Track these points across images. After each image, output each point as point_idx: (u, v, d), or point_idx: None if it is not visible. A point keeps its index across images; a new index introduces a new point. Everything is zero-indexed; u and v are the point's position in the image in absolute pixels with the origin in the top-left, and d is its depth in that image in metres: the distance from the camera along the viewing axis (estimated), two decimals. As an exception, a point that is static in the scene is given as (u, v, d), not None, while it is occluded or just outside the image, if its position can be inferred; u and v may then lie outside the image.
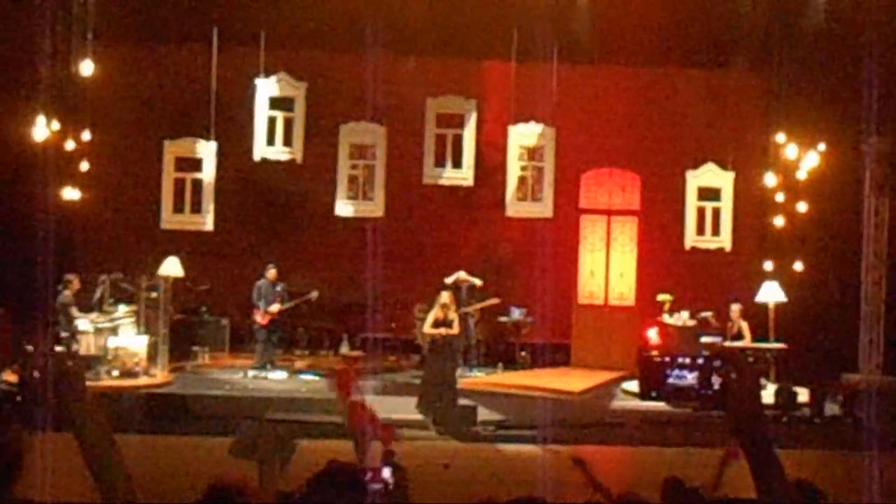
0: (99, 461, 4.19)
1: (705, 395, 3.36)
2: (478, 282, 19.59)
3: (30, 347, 16.47)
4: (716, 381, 3.36)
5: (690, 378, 3.29)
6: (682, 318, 19.01)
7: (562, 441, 15.05)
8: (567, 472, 13.58)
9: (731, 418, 3.45)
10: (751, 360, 17.36)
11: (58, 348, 17.02)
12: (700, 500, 6.95)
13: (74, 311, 17.45)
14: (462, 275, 19.50)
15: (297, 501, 5.02)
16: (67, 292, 17.54)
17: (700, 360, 3.26)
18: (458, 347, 17.92)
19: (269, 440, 10.98)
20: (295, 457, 10.67)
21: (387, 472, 4.19)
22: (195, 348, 19.66)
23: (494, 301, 19.71)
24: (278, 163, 19.33)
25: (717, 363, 3.33)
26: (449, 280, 19.02)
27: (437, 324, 16.74)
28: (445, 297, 17.06)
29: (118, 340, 17.25)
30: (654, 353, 17.52)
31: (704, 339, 18.43)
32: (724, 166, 19.84)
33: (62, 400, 4.28)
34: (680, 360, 3.28)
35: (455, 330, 16.92)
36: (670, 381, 3.32)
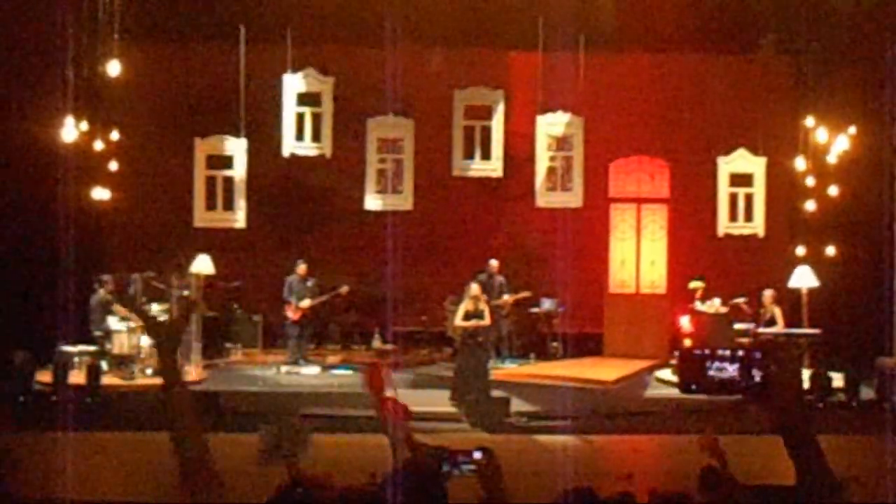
0: (189, 459, 4.23)
1: (746, 388, 3.33)
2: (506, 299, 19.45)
3: (68, 348, 16.59)
4: (756, 374, 3.33)
5: (731, 370, 3.26)
6: (715, 305, 18.91)
7: (596, 431, 15.05)
8: (600, 463, 13.54)
9: (774, 410, 3.43)
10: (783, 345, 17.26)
11: (91, 348, 17.13)
12: (737, 489, 6.92)
13: (118, 307, 17.52)
14: (493, 263, 19.52)
15: (374, 494, 5.00)
16: (102, 291, 17.64)
17: (740, 353, 3.22)
18: (489, 339, 17.93)
19: (292, 438, 10.94)
20: (320, 451, 10.60)
21: (478, 455, 4.20)
22: (228, 345, 19.77)
23: (526, 294, 19.69)
24: (307, 158, 19.35)
25: (757, 355, 3.29)
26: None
27: (468, 316, 16.76)
28: (475, 289, 17.07)
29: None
30: (690, 342, 17.46)
31: (737, 326, 18.35)
32: (755, 151, 19.72)
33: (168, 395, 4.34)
34: (720, 352, 3.24)
35: (486, 321, 16.93)
36: (710, 373, 3.29)
